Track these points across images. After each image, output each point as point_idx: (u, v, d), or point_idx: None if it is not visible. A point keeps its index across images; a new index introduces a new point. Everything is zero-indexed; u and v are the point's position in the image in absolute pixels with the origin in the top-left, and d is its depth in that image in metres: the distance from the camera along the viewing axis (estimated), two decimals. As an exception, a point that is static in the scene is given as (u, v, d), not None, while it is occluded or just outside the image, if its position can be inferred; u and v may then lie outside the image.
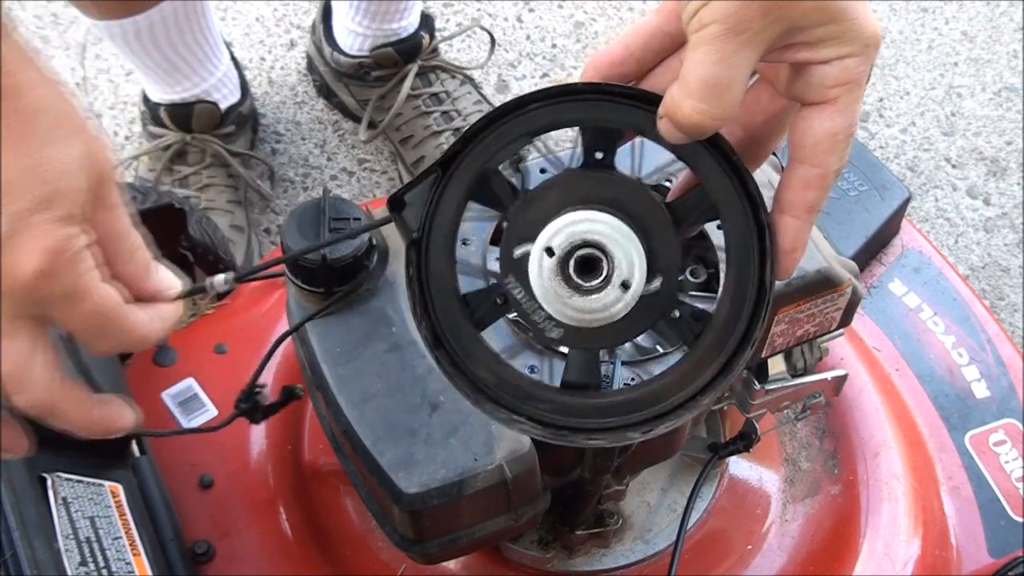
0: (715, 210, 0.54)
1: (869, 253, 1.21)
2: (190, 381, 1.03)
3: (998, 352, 1.16)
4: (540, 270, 0.52)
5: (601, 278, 0.52)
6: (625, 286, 0.52)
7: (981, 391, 1.13)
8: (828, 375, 0.91)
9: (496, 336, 0.73)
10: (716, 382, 0.54)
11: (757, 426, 0.93)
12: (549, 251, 0.52)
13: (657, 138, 0.52)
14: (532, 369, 0.72)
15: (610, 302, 0.52)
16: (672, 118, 0.49)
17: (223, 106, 1.44)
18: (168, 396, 1.02)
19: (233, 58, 1.53)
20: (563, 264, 0.52)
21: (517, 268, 0.53)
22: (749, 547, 1.00)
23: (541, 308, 0.53)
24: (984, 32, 1.93)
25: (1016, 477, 1.07)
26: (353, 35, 1.52)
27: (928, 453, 1.08)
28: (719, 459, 0.97)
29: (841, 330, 0.86)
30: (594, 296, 0.52)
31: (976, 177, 1.72)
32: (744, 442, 0.95)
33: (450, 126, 1.49)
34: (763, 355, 0.84)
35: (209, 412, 1.01)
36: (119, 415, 0.56)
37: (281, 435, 1.01)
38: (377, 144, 1.62)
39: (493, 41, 1.62)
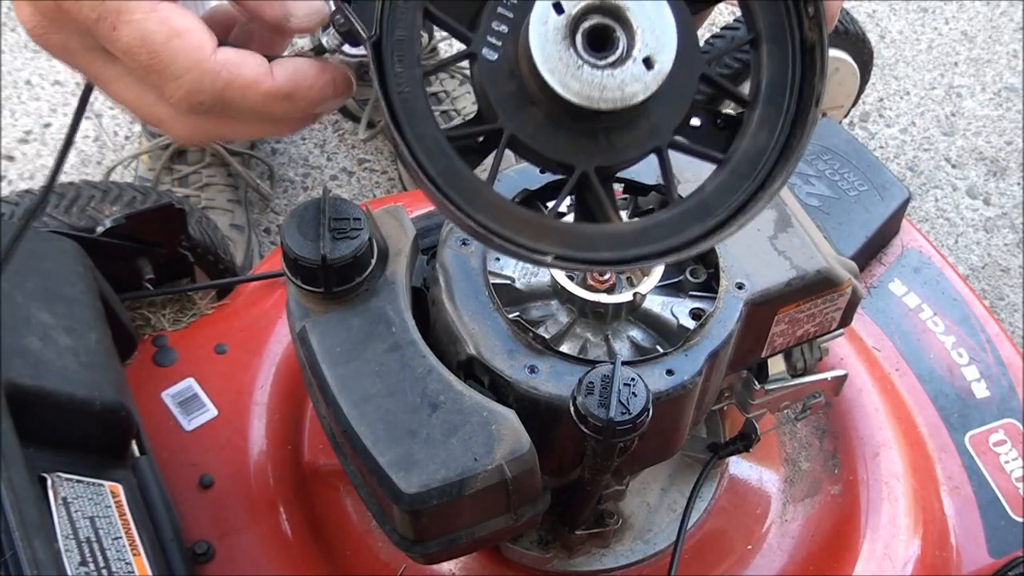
0: None
1: (869, 253, 1.21)
2: (190, 381, 1.03)
3: (998, 352, 1.16)
4: (545, 31, 0.44)
5: (615, 55, 0.45)
6: (648, 63, 0.44)
7: (981, 391, 1.13)
8: (828, 375, 0.91)
9: (495, 336, 0.73)
10: (781, 164, 0.47)
11: (757, 426, 0.93)
12: (558, 7, 0.44)
13: None
14: (533, 369, 0.72)
15: (628, 79, 0.44)
16: None
17: (223, 106, 1.44)
18: (168, 396, 1.02)
19: None
20: (574, 28, 0.44)
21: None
22: (749, 547, 1.00)
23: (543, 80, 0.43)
24: (984, 32, 1.93)
25: (1016, 477, 1.07)
26: (353, 35, 1.52)
27: (928, 453, 1.08)
28: (719, 459, 0.97)
29: (841, 330, 0.86)
30: (608, 72, 0.44)
31: (976, 177, 1.72)
32: (744, 442, 0.95)
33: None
34: (763, 355, 0.84)
35: (209, 412, 1.01)
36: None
37: (281, 435, 1.01)
38: (377, 144, 1.62)
39: None
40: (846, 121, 1.69)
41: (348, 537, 0.97)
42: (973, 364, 1.15)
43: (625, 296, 0.76)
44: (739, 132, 0.49)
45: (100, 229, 1.01)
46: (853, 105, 1.54)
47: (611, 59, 0.44)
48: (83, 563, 0.75)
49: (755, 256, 0.78)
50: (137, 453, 0.92)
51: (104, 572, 0.76)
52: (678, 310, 0.77)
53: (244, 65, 0.45)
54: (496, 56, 0.46)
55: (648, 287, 0.77)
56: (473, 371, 0.75)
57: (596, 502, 0.87)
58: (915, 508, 1.01)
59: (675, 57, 0.45)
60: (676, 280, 0.80)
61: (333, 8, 0.47)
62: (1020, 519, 1.05)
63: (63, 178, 1.56)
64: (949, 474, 1.07)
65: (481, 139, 0.48)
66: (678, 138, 0.49)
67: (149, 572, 0.80)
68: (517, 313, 0.75)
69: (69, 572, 0.73)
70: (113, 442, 0.88)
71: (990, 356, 1.16)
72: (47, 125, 1.68)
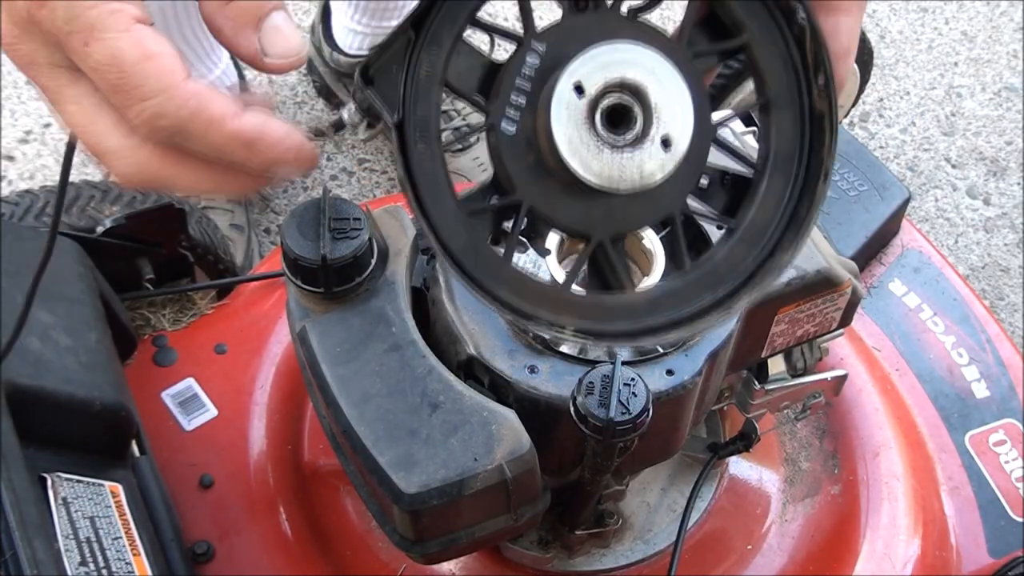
0: (738, 26, 0.47)
1: (869, 253, 1.21)
2: (190, 381, 1.03)
3: (998, 352, 1.16)
4: (567, 114, 0.43)
5: (635, 133, 0.45)
6: (667, 144, 0.44)
7: (981, 391, 1.13)
8: (828, 375, 0.91)
9: (495, 336, 0.73)
10: (792, 230, 0.48)
11: (757, 426, 0.93)
12: (579, 89, 0.43)
13: None
14: (533, 369, 0.72)
15: (646, 162, 0.44)
16: None
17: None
18: (168, 396, 1.02)
19: (232, 57, 1.53)
20: (593, 108, 0.44)
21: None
22: (749, 547, 1.00)
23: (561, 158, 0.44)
24: (984, 32, 1.93)
25: (1016, 477, 1.07)
26: (352, 34, 1.52)
27: (928, 453, 1.08)
28: (719, 459, 0.97)
29: (841, 330, 0.86)
30: (627, 154, 0.44)
31: (976, 177, 1.72)
32: (744, 442, 0.95)
33: (450, 125, 1.49)
34: (763, 355, 0.84)
35: (209, 412, 1.01)
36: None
37: (281, 435, 1.01)
38: (377, 144, 1.62)
39: (492, 40, 1.61)
40: (846, 121, 1.69)
41: (348, 537, 0.97)
42: (973, 364, 1.15)
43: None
44: (748, 198, 0.50)
45: (100, 229, 1.01)
46: (853, 105, 1.54)
47: (629, 138, 0.44)
48: (83, 563, 0.75)
49: (755, 256, 0.78)
50: (137, 453, 0.92)
51: (104, 572, 0.76)
52: (678, 310, 0.77)
53: (214, 100, 0.44)
54: (514, 129, 0.46)
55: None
56: (473, 371, 0.75)
57: (596, 502, 0.87)
58: (915, 508, 1.01)
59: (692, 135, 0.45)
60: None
61: (353, 88, 0.46)
62: (1020, 519, 1.05)
63: (63, 178, 1.57)
64: (949, 474, 1.07)
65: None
66: (690, 202, 0.50)
67: (149, 572, 0.80)
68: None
69: (69, 572, 0.73)
70: (113, 442, 0.88)
71: (990, 356, 1.16)
72: (47, 125, 1.68)
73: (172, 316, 1.10)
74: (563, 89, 0.43)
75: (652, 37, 0.47)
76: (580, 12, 0.47)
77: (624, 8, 0.48)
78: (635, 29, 0.47)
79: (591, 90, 0.43)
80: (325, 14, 1.57)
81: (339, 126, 0.49)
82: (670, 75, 0.45)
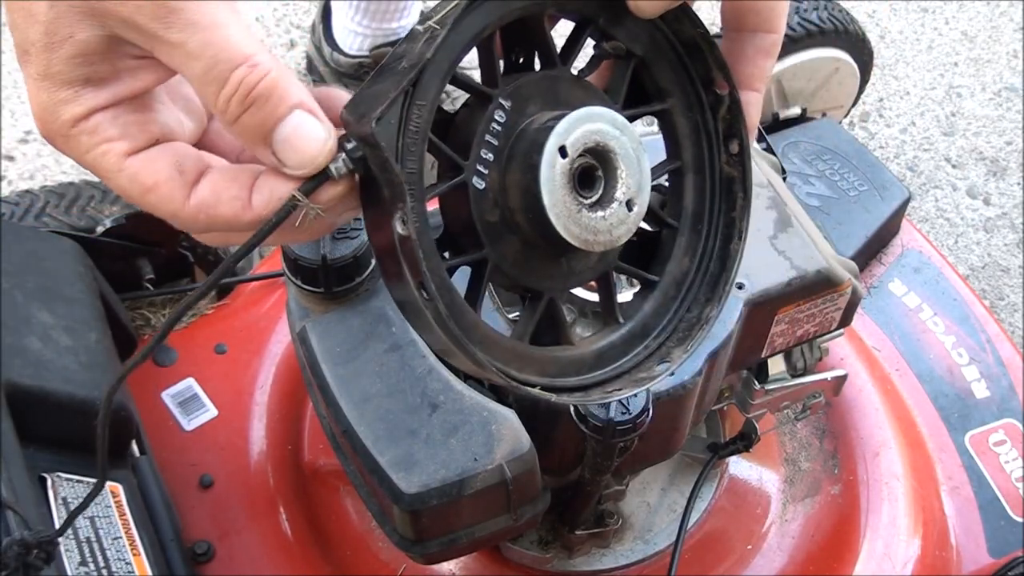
0: (662, 93, 0.50)
1: (869, 253, 1.21)
2: (190, 381, 1.03)
3: (998, 352, 1.16)
4: (552, 174, 0.44)
5: (597, 196, 0.46)
6: (630, 205, 0.46)
7: (981, 391, 1.13)
8: (828, 375, 0.91)
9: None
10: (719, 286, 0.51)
11: (757, 426, 0.93)
12: (563, 151, 0.44)
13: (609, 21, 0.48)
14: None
15: (615, 222, 0.46)
16: None
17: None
18: (168, 396, 1.02)
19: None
20: (572, 171, 0.45)
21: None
22: (749, 547, 1.00)
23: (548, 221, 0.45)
24: (984, 32, 1.94)
25: (1016, 477, 1.07)
26: (353, 35, 1.52)
27: (928, 453, 1.08)
28: (719, 459, 0.97)
29: (841, 330, 0.86)
30: (598, 214, 0.46)
31: (976, 177, 1.72)
32: (744, 442, 0.95)
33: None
34: (763, 355, 0.84)
35: (209, 412, 1.01)
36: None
37: (281, 435, 1.01)
38: (377, 144, 1.62)
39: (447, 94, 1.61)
40: (846, 121, 1.69)
41: (348, 537, 0.97)
42: (973, 364, 1.15)
43: (625, 296, 0.76)
44: (663, 254, 0.53)
45: (100, 229, 1.02)
46: (853, 105, 1.54)
47: (595, 199, 0.46)
48: (83, 563, 0.75)
49: (755, 256, 0.78)
50: (137, 453, 0.92)
51: (104, 572, 0.76)
52: (678, 310, 0.77)
53: (220, 204, 0.43)
54: (483, 185, 0.46)
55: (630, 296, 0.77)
56: (473, 371, 0.75)
57: (596, 502, 0.87)
58: (915, 508, 1.01)
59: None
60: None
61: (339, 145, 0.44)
62: (1020, 519, 1.05)
63: (63, 178, 1.56)
64: (949, 474, 1.07)
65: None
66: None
67: (149, 572, 0.80)
68: (517, 313, 0.75)
69: (69, 572, 0.73)
70: (113, 442, 0.88)
71: (990, 356, 1.16)
72: (47, 125, 1.68)
73: (172, 316, 1.10)
74: (549, 152, 0.44)
75: (600, 97, 0.49)
76: (540, 71, 0.48)
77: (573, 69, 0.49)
78: (583, 88, 0.49)
79: (572, 153, 0.44)
80: (325, 14, 1.57)
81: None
82: (633, 138, 0.46)
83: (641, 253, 0.54)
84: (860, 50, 1.44)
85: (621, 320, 0.53)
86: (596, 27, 0.49)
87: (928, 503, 1.03)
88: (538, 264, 0.49)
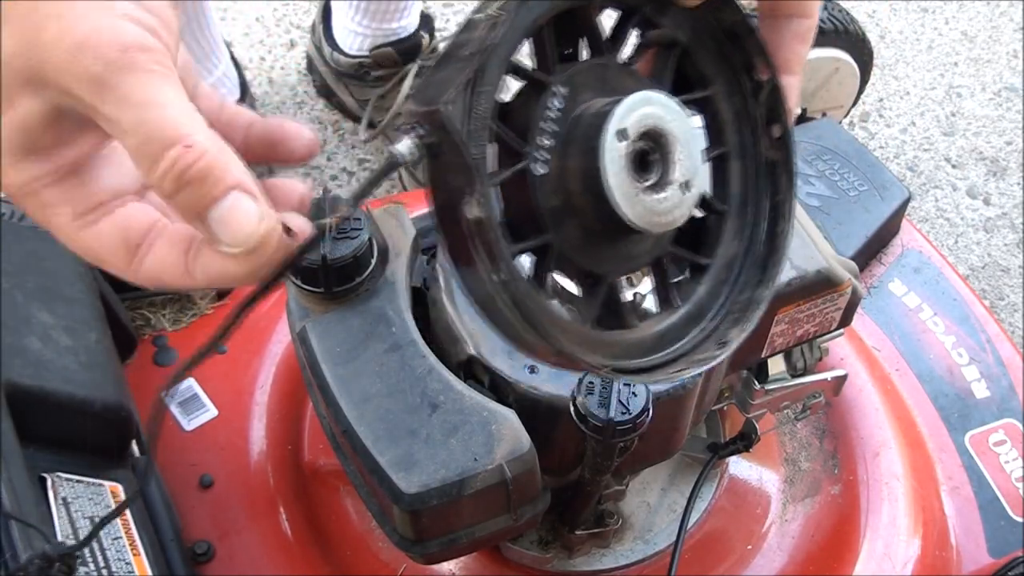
0: (705, 80, 0.51)
1: (869, 253, 1.21)
2: (190, 381, 1.03)
3: (998, 352, 1.16)
4: (614, 157, 0.45)
5: (655, 179, 0.47)
6: (687, 186, 0.47)
7: (981, 391, 1.13)
8: (828, 375, 0.91)
9: (495, 336, 0.73)
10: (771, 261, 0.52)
11: (757, 426, 0.93)
12: (622, 134, 0.45)
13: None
14: (533, 369, 0.72)
15: (673, 204, 0.46)
16: None
17: (223, 106, 1.44)
18: (168, 396, 1.02)
19: (233, 58, 1.53)
20: (630, 154, 0.45)
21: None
22: (749, 547, 1.00)
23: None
24: (984, 32, 1.93)
25: (1016, 477, 1.07)
26: (353, 35, 1.52)
27: (928, 453, 1.08)
28: (719, 459, 0.97)
29: (841, 330, 0.86)
30: (658, 195, 0.46)
31: (976, 177, 1.72)
32: (744, 442, 0.95)
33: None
34: (763, 355, 0.84)
35: (209, 412, 1.01)
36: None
37: (281, 435, 1.01)
38: (377, 144, 1.62)
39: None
40: (846, 121, 1.69)
41: (348, 537, 0.97)
42: (973, 364, 1.15)
43: (625, 296, 0.76)
44: (716, 239, 0.53)
45: (100, 229, 1.01)
46: (853, 105, 1.54)
47: (652, 182, 0.46)
48: (83, 563, 0.75)
49: (755, 256, 0.78)
50: (137, 453, 0.92)
51: (104, 572, 0.76)
52: (678, 310, 0.77)
53: (164, 273, 0.44)
54: (544, 171, 0.47)
55: (648, 287, 0.77)
56: (473, 371, 0.75)
57: (596, 502, 0.87)
58: (915, 508, 1.01)
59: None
60: (677, 280, 0.80)
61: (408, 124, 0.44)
62: (1020, 519, 1.05)
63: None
64: (949, 474, 1.07)
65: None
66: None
67: (149, 572, 0.80)
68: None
69: (69, 572, 0.73)
70: (113, 442, 0.88)
71: (990, 356, 1.16)
72: (47, 125, 1.68)
73: (172, 316, 1.10)
74: (610, 135, 0.45)
75: (648, 85, 0.50)
76: (589, 59, 0.49)
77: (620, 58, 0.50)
78: (631, 76, 0.50)
79: (632, 136, 0.45)
80: (326, 14, 1.57)
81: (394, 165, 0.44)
82: (686, 123, 0.47)
83: (689, 239, 0.54)
84: (860, 50, 1.44)
85: (679, 303, 0.53)
86: (642, 16, 0.50)
87: (928, 503, 1.03)
88: (598, 249, 0.49)
